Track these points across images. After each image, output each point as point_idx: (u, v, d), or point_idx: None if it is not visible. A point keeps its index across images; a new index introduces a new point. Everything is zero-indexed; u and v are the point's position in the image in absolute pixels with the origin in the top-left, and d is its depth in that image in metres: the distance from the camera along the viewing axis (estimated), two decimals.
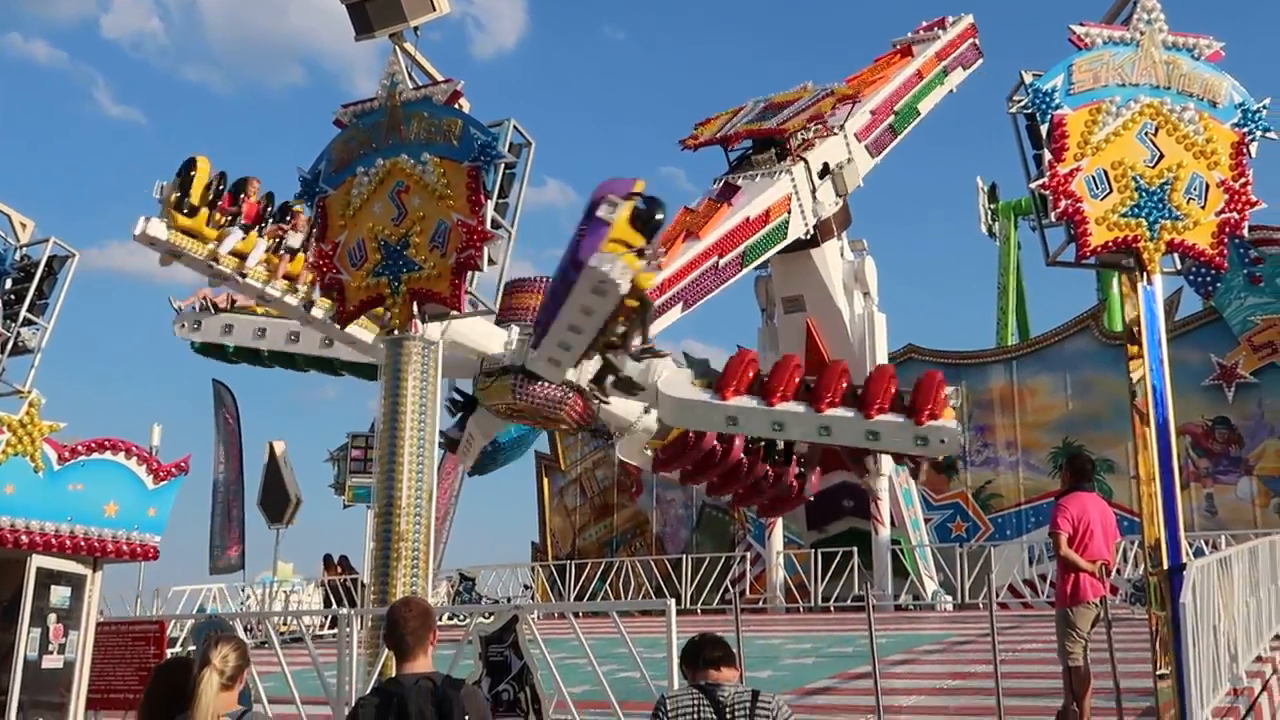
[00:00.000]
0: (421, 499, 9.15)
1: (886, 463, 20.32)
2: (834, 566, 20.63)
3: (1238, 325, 22.88)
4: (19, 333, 13.93)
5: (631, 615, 18.77)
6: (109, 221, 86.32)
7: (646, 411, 16.59)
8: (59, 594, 7.67)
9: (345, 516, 27.17)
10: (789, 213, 19.00)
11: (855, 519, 21.91)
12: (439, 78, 10.25)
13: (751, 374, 15.38)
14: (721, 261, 17.79)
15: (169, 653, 8.63)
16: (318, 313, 15.20)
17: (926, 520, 23.18)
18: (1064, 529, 7.93)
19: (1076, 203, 8.17)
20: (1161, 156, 8.32)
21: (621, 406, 16.16)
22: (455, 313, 9.71)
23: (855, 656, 12.25)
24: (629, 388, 14.90)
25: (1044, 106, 8.33)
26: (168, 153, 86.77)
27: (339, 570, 24.86)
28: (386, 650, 5.67)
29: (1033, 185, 8.38)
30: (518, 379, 14.80)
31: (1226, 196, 8.34)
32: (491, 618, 7.81)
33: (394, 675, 4.32)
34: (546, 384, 14.85)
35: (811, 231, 19.58)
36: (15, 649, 7.42)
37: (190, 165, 14.53)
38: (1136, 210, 8.21)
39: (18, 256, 14.51)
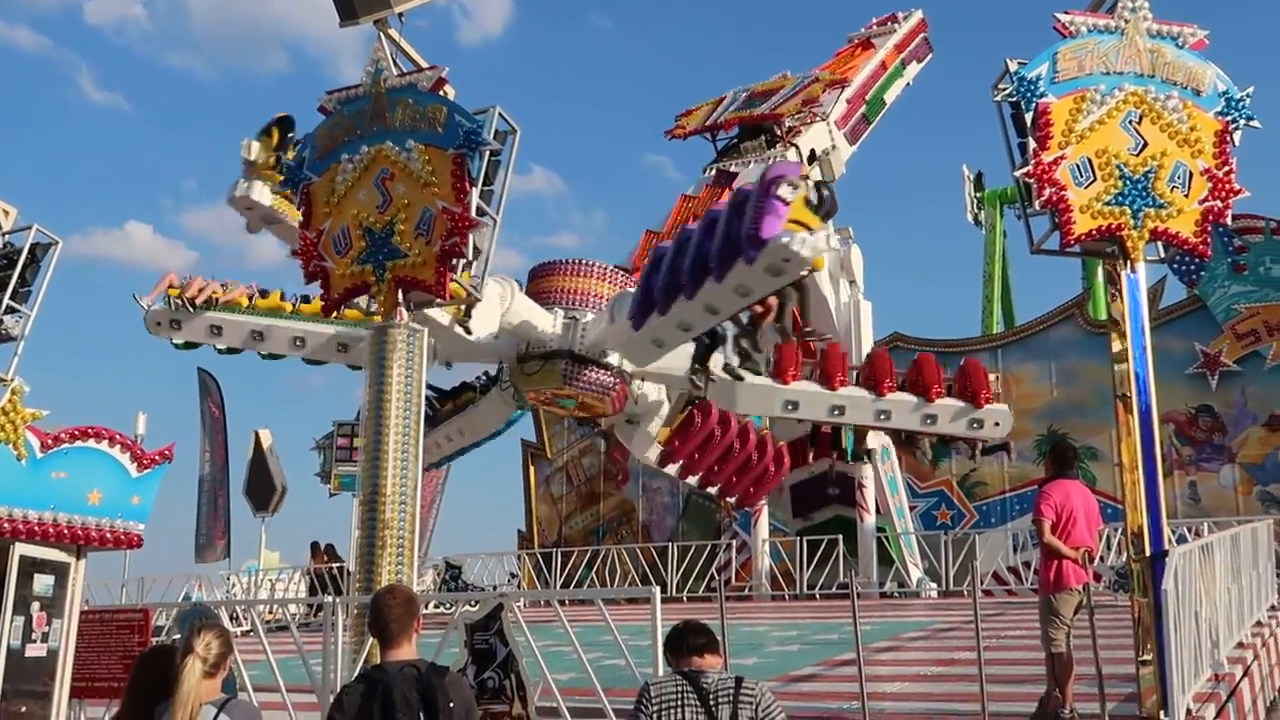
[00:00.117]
0: (406, 487, 9.13)
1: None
2: (819, 554, 20.70)
3: (1221, 314, 22.99)
4: (1, 320, 13.84)
5: (618, 603, 18.80)
6: (93, 209, 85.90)
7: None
8: (42, 582, 7.64)
9: (332, 505, 27.13)
10: None
11: (841, 507, 21.99)
12: (424, 64, 10.20)
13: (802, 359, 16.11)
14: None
15: (154, 641, 8.60)
16: None
17: (912, 508, 23.25)
18: (1047, 516, 7.96)
19: (1060, 191, 8.20)
20: (1145, 145, 8.34)
21: (654, 390, 16.24)
22: (439, 300, 9.69)
23: (840, 643, 12.29)
24: (737, 372, 15.28)
25: (1028, 94, 8.35)
26: (152, 139, 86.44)
27: (325, 558, 24.83)
28: (371, 638, 5.66)
29: (1017, 173, 8.40)
30: (568, 364, 14.77)
31: (1210, 185, 8.37)
32: (477, 605, 7.80)
33: (378, 663, 4.33)
34: (600, 369, 14.91)
35: None
36: None
37: (282, 123, 13.99)
38: (1120, 198, 8.24)
39: (0, 244, 14.42)
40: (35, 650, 7.59)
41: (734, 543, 23.38)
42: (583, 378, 14.90)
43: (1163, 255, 8.73)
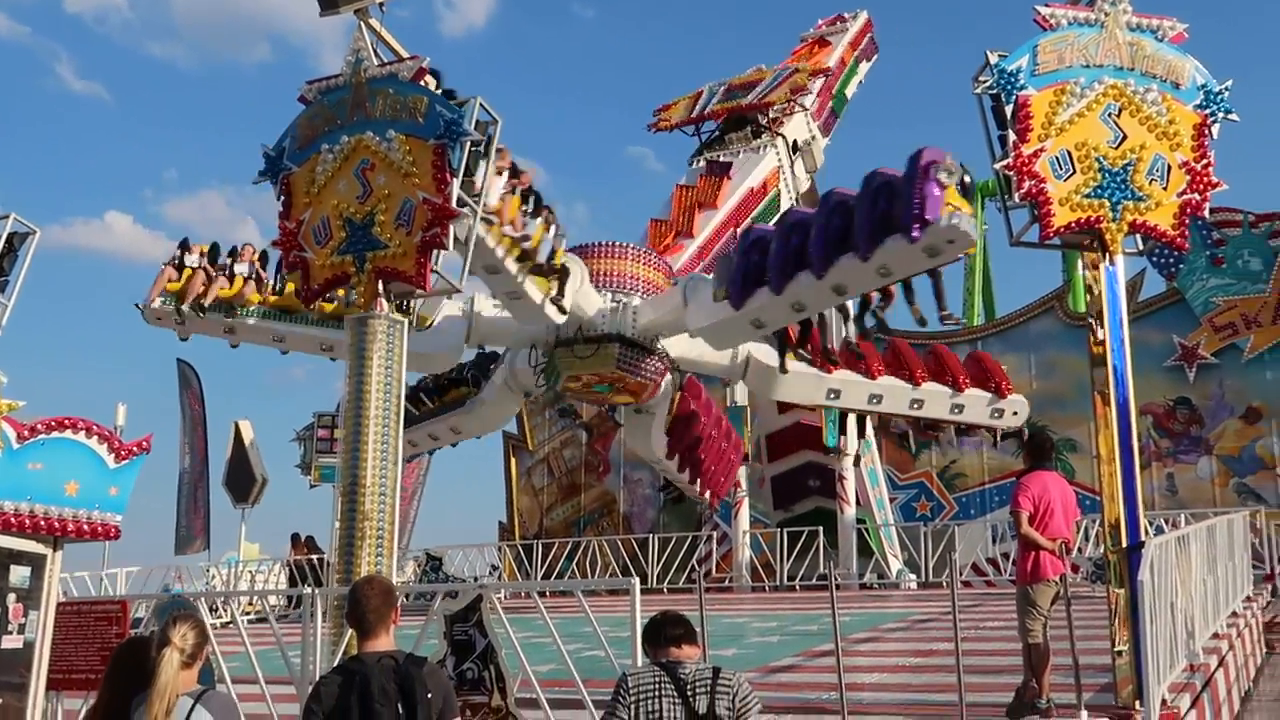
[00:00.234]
0: (386, 478, 9.11)
1: (851, 443, 20.50)
2: (800, 546, 20.78)
3: (1199, 306, 23.13)
4: None
5: (599, 594, 18.82)
6: (72, 198, 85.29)
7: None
8: (18, 574, 7.59)
9: (312, 496, 27.10)
10: (780, 185, 19.23)
11: (821, 498, 22.11)
12: (405, 54, 10.16)
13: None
14: (738, 230, 18.10)
15: (132, 633, 8.56)
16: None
17: (891, 500, 23.37)
18: (1025, 508, 7.99)
19: (1040, 183, 8.22)
20: (1124, 138, 8.37)
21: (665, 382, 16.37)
22: (421, 291, 9.65)
23: (819, 634, 12.35)
24: (806, 356, 16.14)
25: (1009, 87, 8.36)
26: (132, 129, 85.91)
27: (306, 550, 24.77)
28: (350, 629, 5.65)
29: (997, 166, 8.41)
30: (622, 348, 14.73)
31: (1188, 178, 8.41)
32: (458, 596, 7.80)
33: (356, 654, 4.31)
34: (651, 355, 14.97)
35: (794, 206, 19.76)
36: None
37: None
38: (1099, 191, 8.26)
39: None
40: (11, 642, 7.53)
41: (715, 534, 23.44)
42: (637, 363, 14.97)
43: (1141, 248, 8.78)
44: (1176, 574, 8.79)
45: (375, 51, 10.06)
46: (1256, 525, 18.35)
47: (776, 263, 12.53)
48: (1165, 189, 8.36)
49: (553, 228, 12.94)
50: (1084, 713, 7.44)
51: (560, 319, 14.06)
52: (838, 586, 8.82)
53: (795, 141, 20.11)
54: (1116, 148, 8.34)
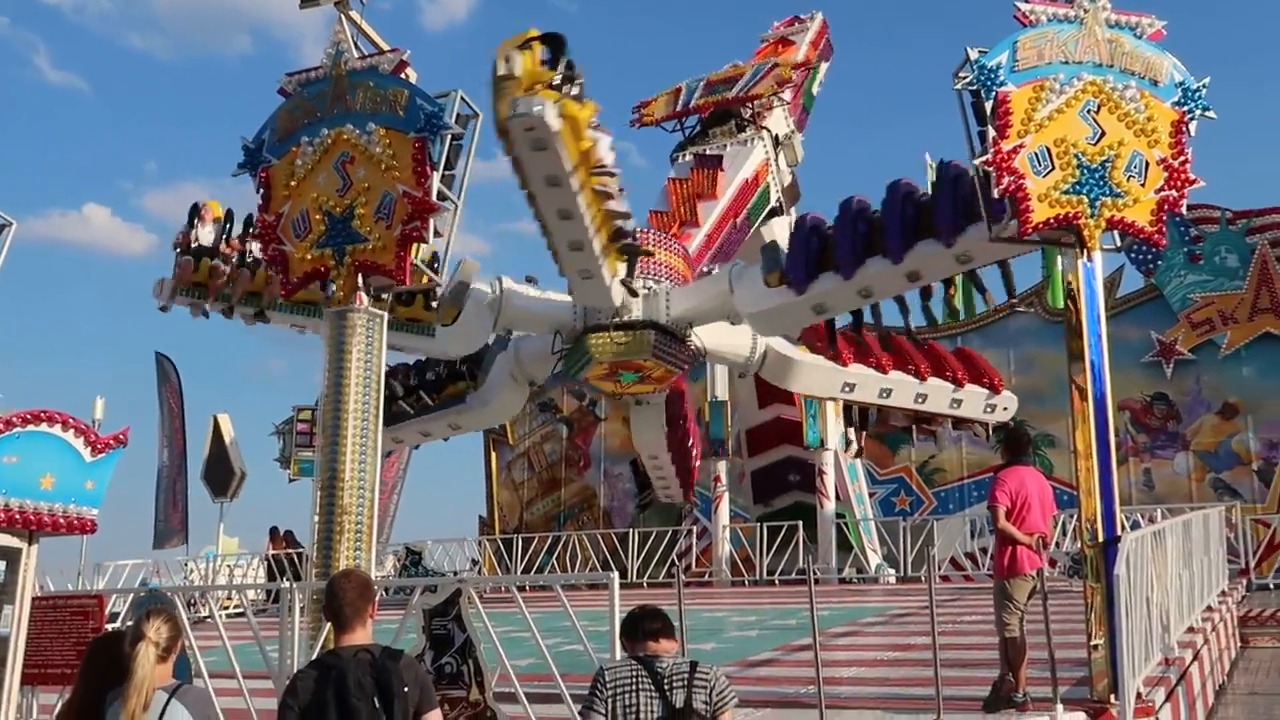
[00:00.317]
0: (365, 472, 9.08)
1: (832, 438, 20.56)
2: (779, 540, 20.81)
3: (1177, 303, 23.26)
4: None
5: (579, 589, 18.84)
6: (49, 190, 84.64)
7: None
8: None
9: (292, 490, 27.02)
10: (769, 178, 19.30)
11: (801, 493, 22.13)
12: (385, 47, 10.12)
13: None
14: (738, 220, 18.29)
15: (109, 628, 8.52)
16: None
17: (871, 494, 23.42)
18: (1002, 502, 8.03)
19: (1019, 179, 8.26)
20: (1103, 134, 8.42)
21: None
22: (399, 285, 9.62)
23: (798, 629, 12.37)
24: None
25: (988, 83, 8.40)
26: (111, 121, 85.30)
27: (285, 543, 24.68)
28: (328, 623, 5.63)
29: (977, 161, 8.45)
30: (658, 335, 14.79)
31: (1166, 174, 8.46)
32: (437, 591, 7.78)
33: (332, 648, 4.30)
34: (685, 345, 15.13)
35: (780, 200, 19.82)
36: None
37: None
38: (1078, 187, 8.30)
39: None
40: None
41: (695, 529, 23.47)
42: (671, 351, 15.05)
43: (1119, 244, 8.82)
44: (1152, 569, 8.84)
45: (355, 44, 10.02)
46: (1232, 520, 18.50)
47: (845, 248, 12.67)
48: (1143, 185, 8.41)
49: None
50: (1059, 706, 7.49)
51: (620, 301, 14.40)
52: (817, 581, 8.85)
53: (777, 136, 20.12)
54: (1095, 144, 8.38)
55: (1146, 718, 7.67)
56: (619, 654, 5.20)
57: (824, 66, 23.29)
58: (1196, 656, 10.19)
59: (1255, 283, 22.64)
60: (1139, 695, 7.75)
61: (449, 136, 9.28)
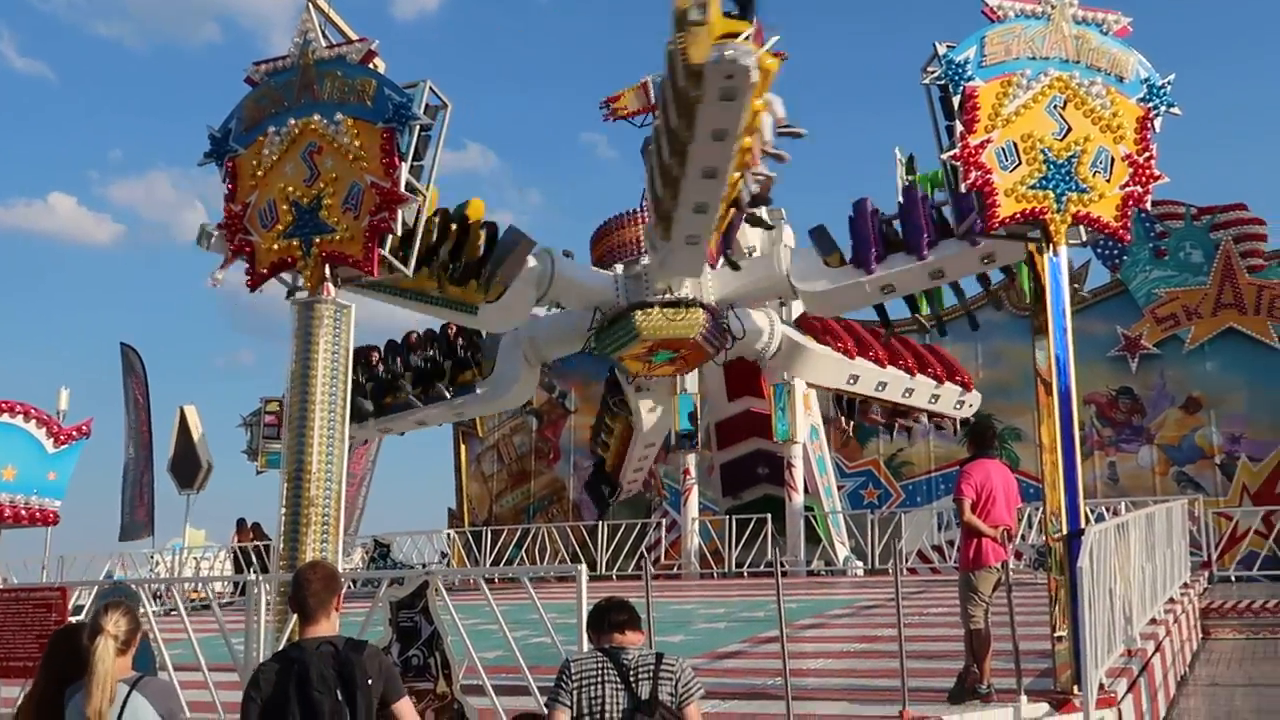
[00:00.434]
0: (332, 464, 9.04)
1: (801, 430, 20.61)
2: (748, 533, 20.86)
3: (1142, 298, 23.49)
4: None
5: (548, 581, 18.83)
6: (13, 179, 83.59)
7: None
8: None
9: (259, 482, 26.81)
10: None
11: (770, 486, 22.18)
12: (354, 37, 10.05)
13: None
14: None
15: (72, 620, 8.45)
16: None
17: (839, 487, 23.51)
18: (967, 495, 8.07)
19: (986, 174, 8.30)
20: (1069, 130, 8.47)
21: None
22: (368, 276, 9.57)
23: (766, 621, 12.41)
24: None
25: (956, 78, 8.43)
26: (77, 109, 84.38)
27: (251, 535, 24.54)
28: (295, 615, 5.60)
29: (944, 156, 8.48)
30: (706, 316, 14.91)
31: (1131, 170, 8.52)
32: (404, 583, 7.76)
33: (295, 640, 4.28)
34: (723, 328, 15.89)
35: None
36: None
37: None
38: (1044, 182, 8.35)
39: None
40: None
41: (664, 521, 23.49)
42: (716, 332, 15.28)
43: (1085, 239, 8.88)
44: (1115, 561, 8.93)
45: (324, 33, 9.95)
46: (1194, 513, 18.67)
47: (915, 230, 12.92)
48: (1108, 181, 8.47)
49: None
50: (1023, 697, 7.55)
51: (736, 273, 15.03)
52: (785, 573, 8.88)
53: None
54: (1061, 140, 8.43)
55: (1109, 708, 7.75)
56: (586, 646, 5.20)
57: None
58: (1159, 648, 10.30)
59: (1219, 278, 22.88)
60: (1101, 686, 7.82)
61: (417, 127, 9.23)
